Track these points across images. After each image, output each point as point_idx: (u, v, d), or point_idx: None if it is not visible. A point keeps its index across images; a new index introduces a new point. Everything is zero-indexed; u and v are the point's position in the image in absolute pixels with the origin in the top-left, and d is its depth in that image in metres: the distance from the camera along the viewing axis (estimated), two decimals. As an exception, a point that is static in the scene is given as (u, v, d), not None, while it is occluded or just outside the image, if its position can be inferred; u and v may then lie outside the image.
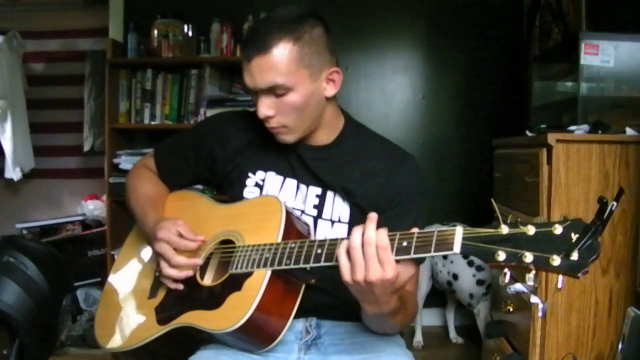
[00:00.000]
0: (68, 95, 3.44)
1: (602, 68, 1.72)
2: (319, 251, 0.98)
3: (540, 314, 1.60)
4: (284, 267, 1.02)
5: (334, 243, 0.97)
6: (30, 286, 2.09)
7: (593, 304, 1.59)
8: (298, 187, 1.20)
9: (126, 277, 1.32)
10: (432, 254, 0.87)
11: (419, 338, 2.83)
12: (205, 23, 2.98)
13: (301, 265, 1.00)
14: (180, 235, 1.14)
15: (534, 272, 0.79)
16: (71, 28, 3.43)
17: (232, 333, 1.02)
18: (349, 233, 1.15)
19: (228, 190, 1.27)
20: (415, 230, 0.91)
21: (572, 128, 1.65)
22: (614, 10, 2.13)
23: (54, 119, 3.49)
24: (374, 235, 0.89)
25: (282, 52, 1.05)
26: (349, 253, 0.90)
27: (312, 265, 0.99)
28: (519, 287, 1.66)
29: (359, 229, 0.91)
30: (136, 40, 2.97)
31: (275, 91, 1.08)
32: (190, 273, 1.13)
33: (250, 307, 1.01)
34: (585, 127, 1.64)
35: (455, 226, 0.88)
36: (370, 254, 0.88)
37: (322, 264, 0.97)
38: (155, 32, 2.94)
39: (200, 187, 2.69)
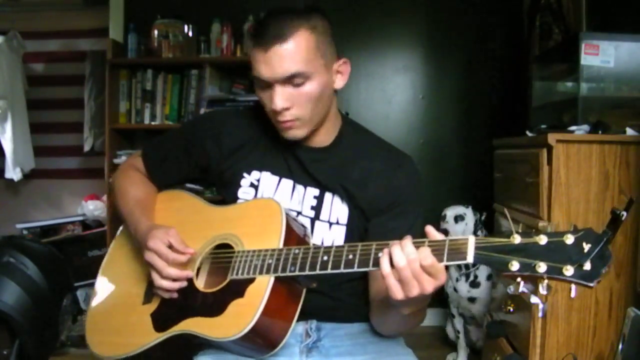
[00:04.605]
0: (68, 95, 3.44)
1: (602, 68, 1.72)
2: (325, 258, 0.96)
3: (540, 314, 1.59)
4: (288, 273, 1.00)
5: (340, 250, 0.96)
6: (30, 286, 2.10)
7: (593, 304, 1.59)
8: (294, 188, 1.19)
9: (117, 281, 1.27)
10: (445, 263, 0.85)
11: None
12: (205, 23, 2.98)
13: (306, 273, 0.98)
14: (171, 246, 1.10)
15: (546, 281, 0.79)
16: (71, 28, 3.43)
17: (235, 340, 1.00)
18: (347, 235, 1.14)
19: (221, 189, 1.25)
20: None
21: (572, 128, 1.65)
22: (614, 10, 2.13)
23: (54, 119, 3.49)
24: (413, 250, 0.86)
25: (301, 40, 1.05)
26: (394, 273, 0.87)
27: (318, 272, 0.97)
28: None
29: (396, 248, 0.87)
30: (136, 40, 2.98)
31: (293, 80, 1.06)
32: (183, 284, 1.10)
33: (255, 315, 0.98)
34: (585, 127, 1.64)
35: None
36: (417, 270, 0.85)
37: (329, 271, 0.95)
38: (155, 32, 2.95)
39: (199, 187, 2.67)
